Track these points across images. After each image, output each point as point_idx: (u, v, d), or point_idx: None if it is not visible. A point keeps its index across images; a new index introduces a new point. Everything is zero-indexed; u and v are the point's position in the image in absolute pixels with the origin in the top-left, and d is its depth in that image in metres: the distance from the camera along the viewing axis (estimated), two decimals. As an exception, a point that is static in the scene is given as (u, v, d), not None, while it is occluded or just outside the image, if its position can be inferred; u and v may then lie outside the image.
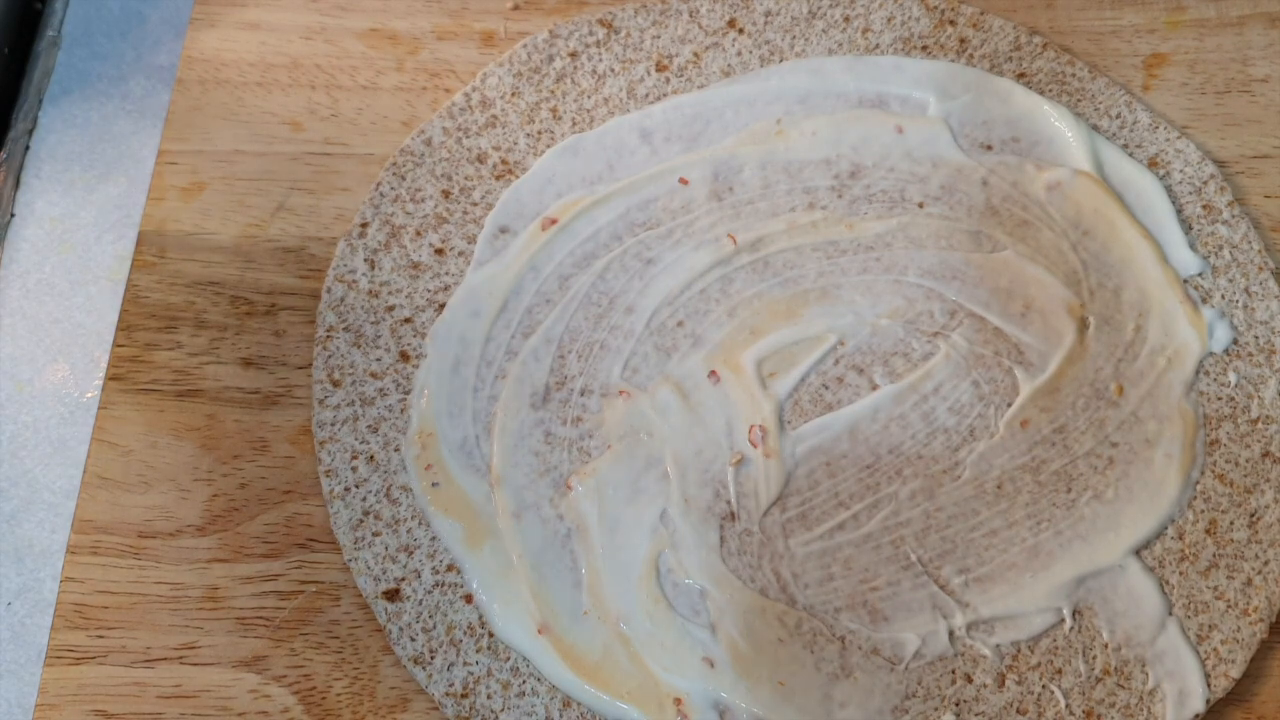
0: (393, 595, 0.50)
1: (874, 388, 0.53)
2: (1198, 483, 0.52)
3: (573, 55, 0.60)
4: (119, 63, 0.62)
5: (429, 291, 0.55)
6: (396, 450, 0.52)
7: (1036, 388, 0.53)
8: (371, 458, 0.52)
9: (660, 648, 0.48)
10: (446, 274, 0.55)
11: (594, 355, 0.54)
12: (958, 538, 0.50)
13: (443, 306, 0.55)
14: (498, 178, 0.58)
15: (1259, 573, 0.50)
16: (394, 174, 0.57)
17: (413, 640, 0.49)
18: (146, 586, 0.50)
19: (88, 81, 0.61)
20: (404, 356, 0.54)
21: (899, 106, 0.59)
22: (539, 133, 0.58)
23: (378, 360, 0.54)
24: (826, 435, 0.52)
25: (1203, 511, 0.51)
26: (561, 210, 0.56)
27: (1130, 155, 0.58)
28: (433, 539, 0.51)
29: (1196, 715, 0.48)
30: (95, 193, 0.59)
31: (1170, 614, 0.49)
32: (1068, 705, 0.48)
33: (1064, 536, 0.50)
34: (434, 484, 0.51)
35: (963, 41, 0.61)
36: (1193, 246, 0.56)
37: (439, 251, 0.56)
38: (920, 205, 0.57)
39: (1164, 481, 0.51)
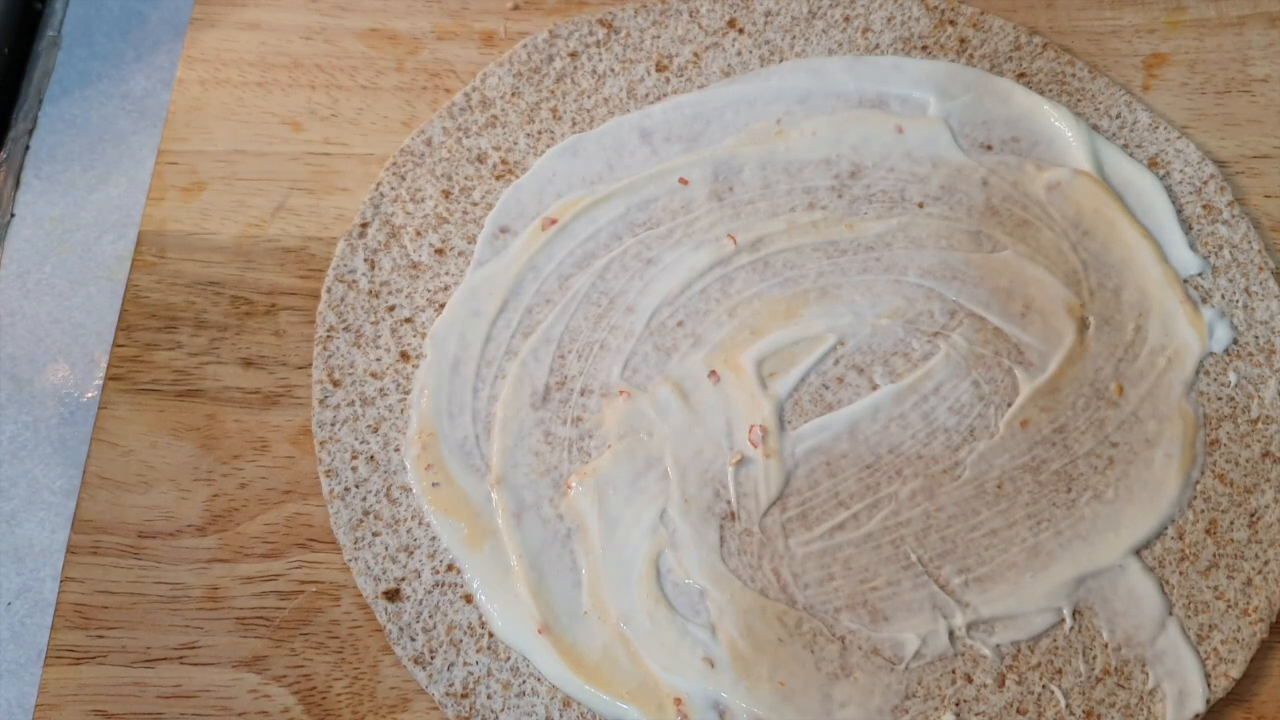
0: (393, 595, 0.50)
1: (874, 388, 0.53)
2: (1198, 483, 0.52)
3: (573, 55, 0.60)
4: (119, 63, 0.62)
5: (429, 291, 0.55)
6: (396, 450, 0.52)
7: (1036, 388, 0.53)
8: (371, 458, 0.52)
9: (660, 648, 0.48)
10: (446, 274, 0.55)
11: (594, 355, 0.54)
12: (958, 538, 0.50)
13: (443, 306, 0.55)
14: (498, 178, 0.58)
15: (1259, 573, 0.50)
16: (394, 174, 0.57)
17: (413, 640, 0.49)
18: (146, 586, 0.50)
19: (88, 81, 0.61)
20: (404, 356, 0.54)
21: (899, 106, 0.59)
22: (539, 133, 0.58)
23: (378, 360, 0.54)
24: (826, 435, 0.52)
25: (1203, 511, 0.51)
26: (561, 210, 0.56)
27: (1130, 155, 0.58)
28: (433, 539, 0.51)
29: (1196, 715, 0.48)
30: (95, 193, 0.59)
31: (1170, 614, 0.49)
32: (1068, 705, 0.48)
33: (1064, 536, 0.50)
34: (434, 484, 0.51)
35: (963, 41, 0.61)
36: (1193, 246, 0.56)
37: (439, 251, 0.56)
38: (920, 205, 0.57)
39: (1164, 481, 0.51)
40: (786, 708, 0.47)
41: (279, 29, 0.62)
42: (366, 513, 0.51)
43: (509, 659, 0.49)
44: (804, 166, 0.57)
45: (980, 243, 0.56)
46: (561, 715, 0.48)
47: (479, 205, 0.57)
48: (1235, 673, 0.48)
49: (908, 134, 0.58)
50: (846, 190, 0.57)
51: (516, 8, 0.63)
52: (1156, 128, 0.59)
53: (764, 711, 0.47)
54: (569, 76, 0.60)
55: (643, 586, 0.49)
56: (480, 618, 0.49)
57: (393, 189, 0.57)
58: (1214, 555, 0.50)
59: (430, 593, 0.50)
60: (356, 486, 0.51)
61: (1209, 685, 0.48)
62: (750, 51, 0.60)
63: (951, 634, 0.49)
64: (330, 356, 0.54)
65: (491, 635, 0.49)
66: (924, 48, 0.60)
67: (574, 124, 0.59)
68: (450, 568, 0.50)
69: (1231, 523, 0.51)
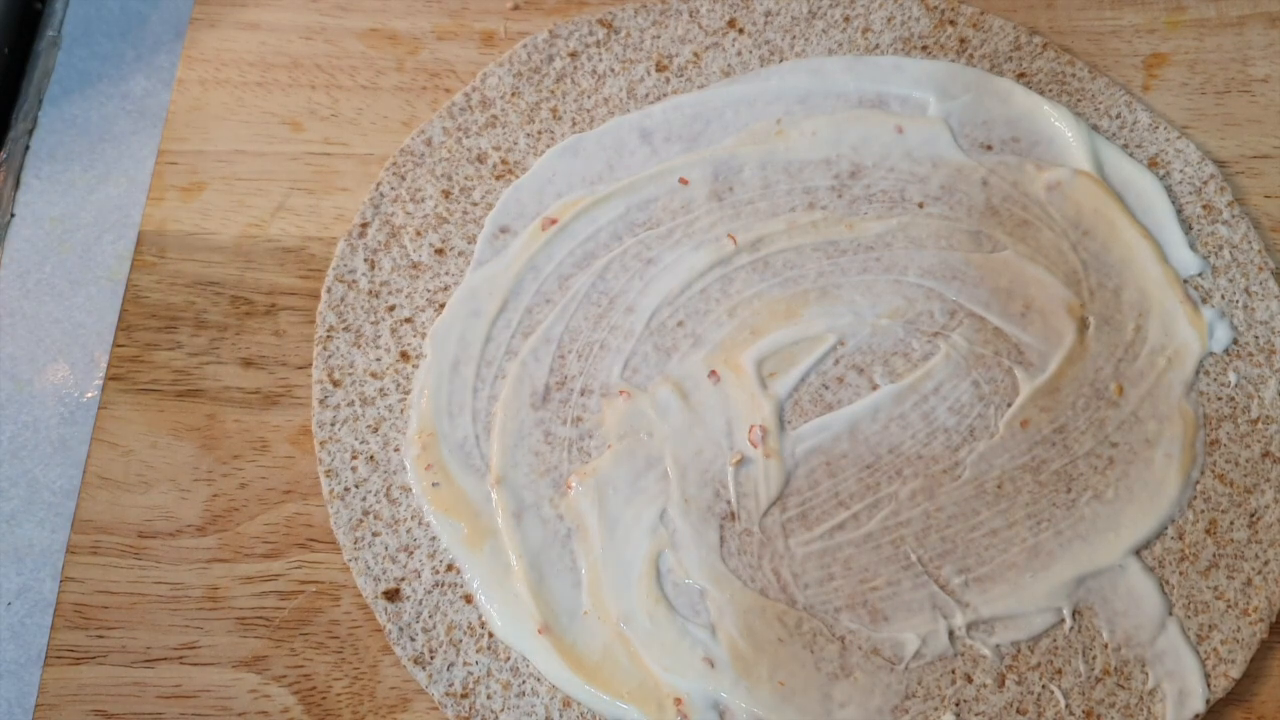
0: (393, 595, 0.50)
1: (874, 388, 0.53)
2: (1198, 483, 0.52)
3: (573, 55, 0.60)
4: (119, 63, 0.62)
5: (429, 291, 0.55)
6: (396, 450, 0.52)
7: (1036, 388, 0.53)
8: (371, 458, 0.52)
9: (660, 648, 0.48)
10: (446, 274, 0.56)
11: (594, 355, 0.54)
12: (958, 537, 0.50)
13: (443, 306, 0.55)
14: (498, 178, 0.58)
15: (1259, 573, 0.50)
16: (394, 174, 0.57)
17: (413, 640, 0.49)
18: (146, 586, 0.50)
19: (88, 81, 0.61)
20: (404, 356, 0.54)
21: (899, 106, 0.59)
22: (539, 133, 0.58)
23: (378, 360, 0.54)
24: (826, 435, 0.52)
25: (1203, 511, 0.51)
26: (561, 210, 0.56)
27: (1130, 155, 0.58)
28: (433, 539, 0.51)
29: (1196, 715, 0.48)
30: (95, 193, 0.59)
31: (1170, 614, 0.49)
32: (1068, 705, 0.48)
33: (1064, 536, 0.50)
34: (434, 484, 0.51)
35: (963, 41, 0.61)
36: (1193, 246, 0.56)
37: (439, 251, 0.56)
38: (920, 205, 0.57)
39: (1164, 481, 0.51)
40: (786, 708, 0.47)
41: (279, 29, 0.62)
42: (366, 513, 0.51)
43: (509, 659, 0.49)
44: (804, 166, 0.57)
45: (980, 243, 0.56)
46: (561, 715, 0.48)
47: (479, 205, 0.57)
48: (1235, 673, 0.48)
49: (908, 134, 0.58)
50: (846, 190, 0.57)
51: (516, 8, 0.63)
52: (1156, 128, 0.59)
53: (764, 711, 0.47)
54: (569, 76, 0.60)
55: (643, 586, 0.49)
56: (480, 618, 0.49)
57: (393, 189, 0.57)
58: (1214, 555, 0.50)
59: (430, 593, 0.50)
60: (356, 486, 0.51)
61: (1209, 685, 0.48)
62: (750, 51, 0.60)
63: (951, 634, 0.49)
64: (330, 356, 0.54)
65: (491, 635, 0.49)
66: (924, 48, 0.60)
67: (574, 124, 0.59)
68: (450, 568, 0.50)
69: (1231, 523, 0.51)
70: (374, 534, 0.51)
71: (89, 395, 0.54)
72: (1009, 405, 0.53)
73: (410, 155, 0.58)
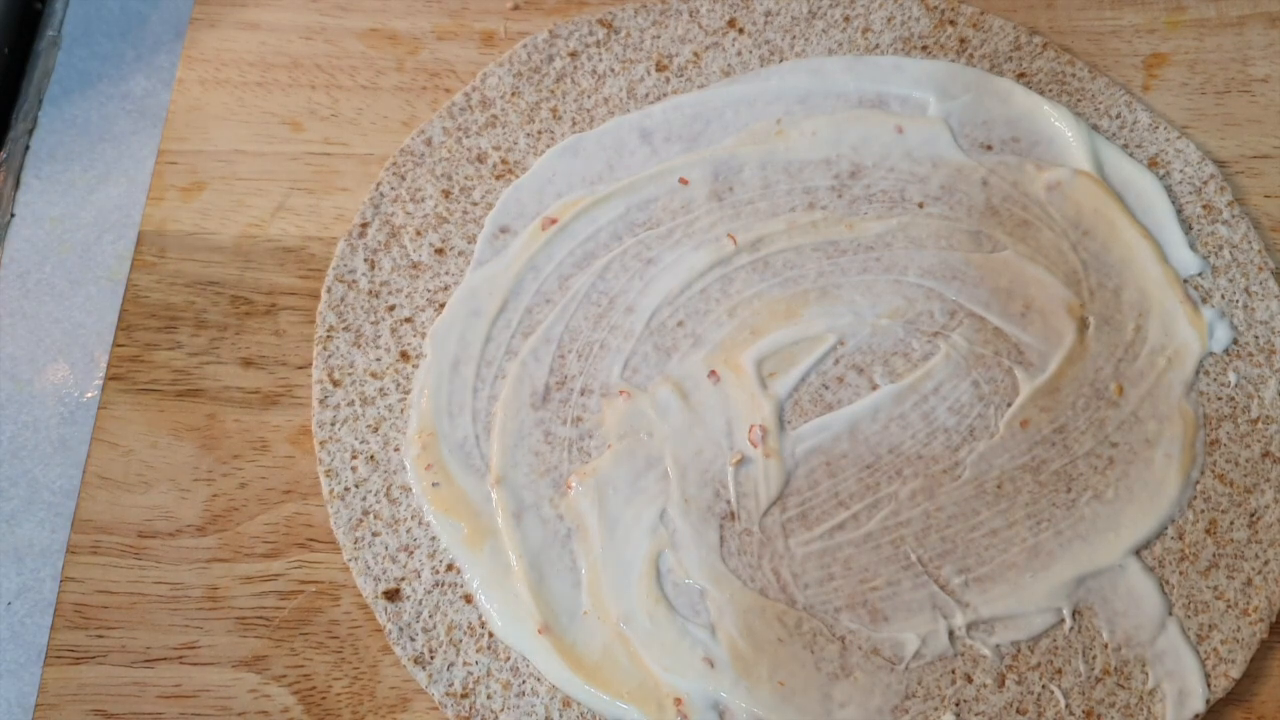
0: (393, 595, 0.50)
1: (874, 388, 0.53)
2: (1198, 483, 0.52)
3: (573, 55, 0.60)
4: (119, 63, 0.62)
5: (429, 291, 0.55)
6: (396, 450, 0.52)
7: (1036, 388, 0.53)
8: (371, 458, 0.52)
9: (660, 648, 0.48)
10: (446, 274, 0.55)
11: (594, 355, 0.54)
12: (958, 538, 0.50)
13: (443, 306, 0.55)
14: (498, 178, 0.58)
15: (1259, 573, 0.50)
16: (394, 174, 0.57)
17: (413, 640, 0.49)
18: (146, 586, 0.50)
19: (88, 81, 0.61)
20: (404, 356, 0.54)
21: (899, 106, 0.59)
22: (539, 133, 0.58)
23: (378, 360, 0.54)
24: (826, 435, 0.52)
25: (1203, 511, 0.51)
26: (561, 210, 0.56)
27: (1130, 155, 0.58)
28: (433, 539, 0.51)
29: (1196, 715, 0.48)
30: (95, 193, 0.59)
31: (1170, 614, 0.49)
32: (1068, 705, 0.48)
33: (1064, 536, 0.50)
34: (434, 484, 0.51)
35: (963, 41, 0.61)
36: (1193, 246, 0.56)
37: (439, 251, 0.56)
38: (920, 205, 0.57)
39: (1164, 481, 0.51)
40: (786, 708, 0.47)
41: (279, 29, 0.62)
42: (366, 513, 0.51)
43: (509, 659, 0.49)
44: (804, 166, 0.57)
45: (980, 243, 0.56)
46: (561, 715, 0.48)
47: (479, 205, 0.57)
48: (1235, 673, 0.48)
49: (908, 134, 0.58)
50: (846, 190, 0.57)
51: (516, 8, 0.63)
52: (1156, 128, 0.59)
53: (764, 711, 0.47)
54: (569, 76, 0.60)
55: (643, 586, 0.49)
56: (480, 618, 0.49)
57: (393, 189, 0.57)
58: (1214, 555, 0.50)
59: (430, 593, 0.50)
60: (356, 486, 0.51)
61: (1209, 685, 0.48)
62: (750, 51, 0.60)
63: (951, 634, 0.49)
64: (330, 356, 0.54)
65: (491, 635, 0.49)
66: (924, 48, 0.60)
67: (574, 124, 0.59)
68: (450, 568, 0.50)
69: (1231, 523, 0.51)
70: (374, 534, 0.51)
71: (89, 395, 0.54)
72: (1009, 405, 0.53)
73: (410, 155, 0.58)
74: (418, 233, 0.56)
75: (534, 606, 0.49)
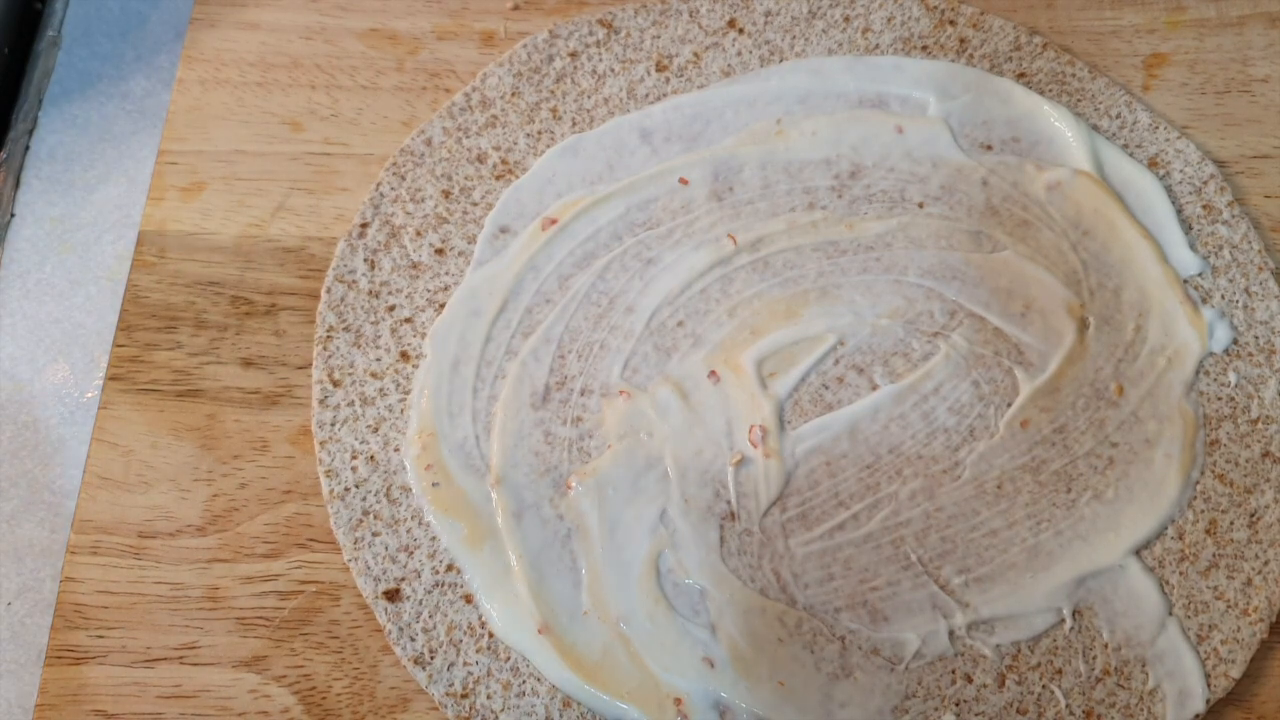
0: (393, 595, 0.50)
1: (874, 388, 0.53)
2: (1198, 483, 0.52)
3: (573, 55, 0.60)
4: (119, 63, 0.62)
5: (429, 291, 0.55)
6: (396, 450, 0.52)
7: (1036, 388, 0.53)
8: (371, 458, 0.52)
9: (660, 648, 0.48)
10: (446, 274, 0.56)
11: (594, 355, 0.54)
12: (958, 538, 0.50)
13: (443, 306, 0.55)
14: (498, 178, 0.58)
15: (1259, 573, 0.50)
16: (394, 174, 0.57)
17: (413, 640, 0.49)
18: (146, 586, 0.50)
19: (88, 81, 0.61)
20: (404, 356, 0.54)
21: (899, 106, 0.59)
22: (539, 133, 0.58)
23: (378, 360, 0.54)
24: (826, 435, 0.52)
25: (1203, 511, 0.51)
26: (561, 210, 0.56)
27: (1130, 155, 0.58)
28: (433, 539, 0.51)
29: (1196, 715, 0.48)
30: (95, 193, 0.59)
31: (1170, 614, 0.49)
32: (1068, 705, 0.48)
33: (1064, 536, 0.50)
34: (434, 484, 0.51)
35: (963, 41, 0.61)
36: (1193, 246, 0.56)
37: (439, 251, 0.56)
38: (920, 205, 0.57)
39: (1164, 481, 0.51)
40: (786, 708, 0.47)
41: (279, 29, 0.62)
42: (366, 513, 0.51)
43: (509, 659, 0.49)
44: (804, 166, 0.57)
45: (980, 243, 0.56)
46: (561, 715, 0.48)
47: (479, 205, 0.57)
48: (1235, 673, 0.48)
49: (908, 134, 0.58)
50: (846, 190, 0.57)
51: (516, 8, 0.63)
52: (1156, 128, 0.59)
53: (764, 711, 0.47)
54: (569, 76, 0.60)
55: (643, 586, 0.49)
56: (480, 618, 0.49)
57: (393, 189, 0.57)
58: (1214, 555, 0.50)
59: (430, 593, 0.50)
60: (356, 486, 0.51)
61: (1209, 685, 0.48)
62: (750, 51, 0.60)
63: (951, 634, 0.49)
64: (330, 356, 0.54)
65: (491, 635, 0.49)
66: (924, 48, 0.60)
67: (574, 124, 0.59)
68: (450, 568, 0.50)
69: (1231, 523, 0.51)
70: (374, 534, 0.51)
71: (89, 395, 0.54)
72: (1009, 405, 0.53)
73: (410, 155, 0.58)
74: (418, 233, 0.56)
75: (534, 606, 0.49)
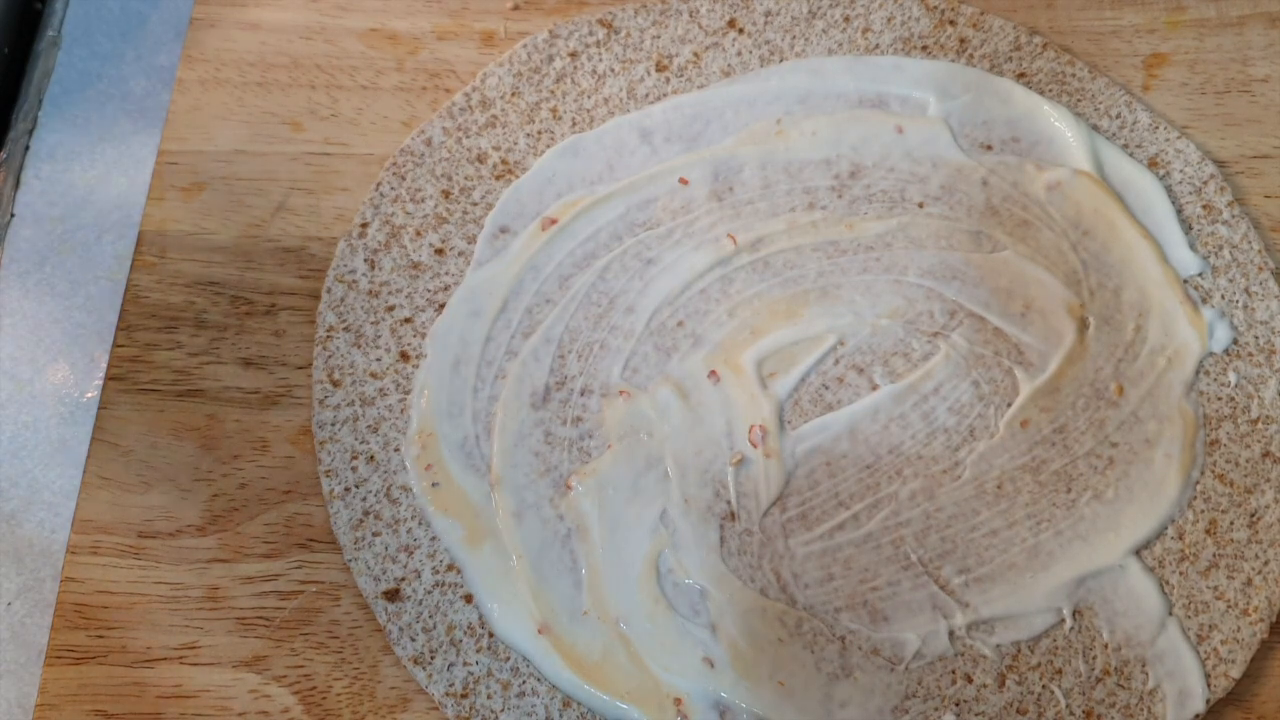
0: (393, 595, 0.50)
1: (874, 388, 0.53)
2: (1198, 483, 0.52)
3: (573, 55, 0.60)
4: (119, 63, 0.62)
5: (429, 291, 0.55)
6: (396, 450, 0.52)
7: (1036, 388, 0.53)
8: (371, 458, 0.52)
9: (660, 648, 0.48)
10: (446, 274, 0.56)
11: (594, 355, 0.54)
12: (958, 538, 0.50)
13: (443, 306, 0.55)
14: (498, 178, 0.58)
15: (1259, 573, 0.50)
16: (394, 174, 0.57)
17: (413, 640, 0.49)
18: (146, 586, 0.50)
19: (88, 81, 0.61)
20: (404, 356, 0.54)
21: (899, 106, 0.59)
22: (539, 133, 0.58)
23: (378, 360, 0.54)
24: (826, 435, 0.52)
25: (1203, 511, 0.51)
26: (561, 210, 0.56)
27: (1130, 155, 0.58)
28: (433, 539, 0.51)
29: (1196, 715, 0.48)
30: (95, 193, 0.59)
31: (1170, 614, 0.49)
32: (1068, 705, 0.48)
33: (1064, 536, 0.50)
34: (434, 484, 0.51)
35: (963, 41, 0.61)
36: (1193, 246, 0.56)
37: (439, 251, 0.56)
38: (920, 205, 0.57)
39: (1164, 481, 0.51)
40: (786, 708, 0.47)
41: (279, 29, 0.62)
42: (366, 513, 0.51)
43: (509, 659, 0.49)
44: (804, 166, 0.57)
45: (980, 243, 0.56)
46: (561, 715, 0.48)
47: (479, 205, 0.57)
48: (1235, 673, 0.48)
49: (908, 134, 0.58)
50: (846, 190, 0.57)
51: (516, 8, 0.63)
52: (1156, 128, 0.59)
53: (764, 711, 0.47)
54: (569, 76, 0.60)
55: (643, 586, 0.49)
56: (480, 618, 0.49)
57: (393, 189, 0.57)
58: (1214, 555, 0.50)
59: (430, 593, 0.50)
60: (356, 486, 0.51)
61: (1209, 685, 0.48)
62: (750, 51, 0.60)
63: (951, 634, 0.49)
64: (330, 356, 0.54)
65: (491, 635, 0.49)
66: (924, 48, 0.60)
67: (574, 124, 0.59)
68: (450, 568, 0.50)
69: (1231, 523, 0.51)
70: (374, 534, 0.51)
71: (89, 395, 0.54)
72: (1009, 405, 0.53)
73: (410, 155, 0.58)
74: (418, 233, 0.56)
75: (534, 606, 0.49)
